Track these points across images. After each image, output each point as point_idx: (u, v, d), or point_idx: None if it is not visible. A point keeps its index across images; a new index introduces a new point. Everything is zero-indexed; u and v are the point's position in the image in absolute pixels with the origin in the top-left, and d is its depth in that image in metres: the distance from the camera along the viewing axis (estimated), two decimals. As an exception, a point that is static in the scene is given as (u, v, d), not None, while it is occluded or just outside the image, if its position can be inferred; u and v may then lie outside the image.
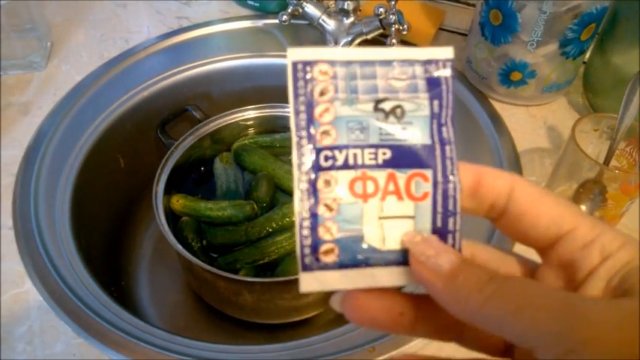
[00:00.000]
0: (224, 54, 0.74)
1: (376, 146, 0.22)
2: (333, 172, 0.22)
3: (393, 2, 0.66)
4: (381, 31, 0.70)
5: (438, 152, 0.22)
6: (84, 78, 0.69)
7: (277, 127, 0.70)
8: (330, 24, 0.71)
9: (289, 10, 0.71)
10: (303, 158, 0.21)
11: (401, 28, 0.69)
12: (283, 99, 0.72)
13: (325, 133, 0.22)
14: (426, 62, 0.22)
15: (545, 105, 0.68)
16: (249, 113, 0.69)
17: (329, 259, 0.21)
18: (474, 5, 0.77)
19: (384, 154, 0.22)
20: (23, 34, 0.70)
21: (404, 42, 0.73)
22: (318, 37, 0.74)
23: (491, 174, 0.23)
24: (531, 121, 0.66)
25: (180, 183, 0.64)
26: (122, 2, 0.82)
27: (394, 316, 0.22)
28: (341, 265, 0.22)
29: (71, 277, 0.50)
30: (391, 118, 0.22)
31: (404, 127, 0.22)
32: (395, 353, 0.45)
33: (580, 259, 0.21)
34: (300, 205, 0.21)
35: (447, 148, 0.22)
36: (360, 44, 0.72)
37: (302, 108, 0.22)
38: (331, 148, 0.22)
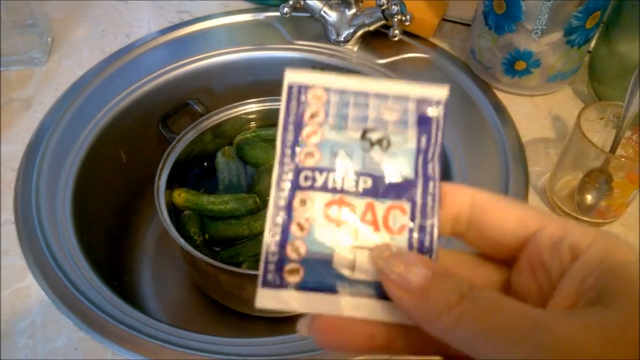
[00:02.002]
0: (225, 47, 0.73)
1: (358, 174, 0.22)
2: (310, 193, 0.21)
3: (395, -8, 0.65)
4: (383, 22, 0.70)
5: (419, 187, 0.22)
6: (85, 73, 0.69)
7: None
8: (332, 16, 0.71)
9: (290, 3, 0.70)
10: (283, 175, 0.22)
11: (403, 19, 0.68)
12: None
13: (309, 154, 0.22)
14: (419, 100, 0.22)
15: (550, 95, 0.67)
16: (251, 107, 0.68)
17: (292, 279, 0.21)
18: (477, -5, 0.76)
19: (365, 182, 0.22)
20: (24, 29, 0.70)
21: (407, 33, 0.72)
22: (320, 29, 0.73)
23: (451, 189, 0.22)
24: (536, 111, 0.65)
25: (182, 177, 0.64)
26: (123, -3, 0.82)
27: (365, 339, 0.21)
28: (304, 287, 0.21)
29: (73, 272, 0.50)
30: (376, 148, 0.22)
31: (388, 158, 0.22)
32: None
33: (550, 258, 0.20)
34: (272, 220, 0.21)
35: (431, 184, 0.22)
36: (363, 35, 0.72)
37: (290, 127, 0.22)
38: (312, 169, 0.22)
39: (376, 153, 0.22)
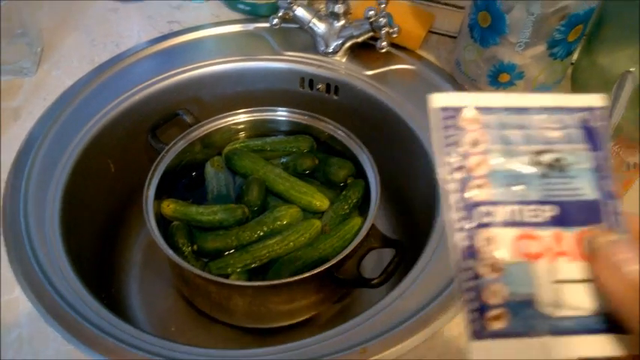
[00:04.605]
0: (215, 58, 0.74)
1: (538, 202, 0.20)
2: (493, 229, 0.20)
3: (383, 5, 0.66)
4: (371, 34, 0.70)
5: (606, 208, 0.21)
6: (74, 83, 0.69)
7: (268, 130, 0.70)
8: (320, 27, 0.72)
9: (280, 14, 0.71)
10: (456, 213, 0.20)
11: (391, 31, 0.69)
12: (274, 102, 0.72)
13: (480, 186, 0.20)
14: (580, 110, 0.21)
15: (535, 106, 0.68)
16: (240, 117, 0.69)
17: (498, 325, 0.20)
18: (463, 8, 0.77)
19: (550, 210, 0.20)
20: (14, 39, 0.70)
21: (394, 45, 0.73)
22: (309, 40, 0.74)
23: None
24: (521, 122, 0.66)
25: (171, 188, 0.64)
26: (113, 7, 0.82)
27: None
28: (512, 334, 0.20)
29: (61, 284, 0.50)
30: (553, 172, 0.21)
31: (568, 181, 0.20)
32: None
33: None
34: (458, 265, 0.20)
35: (614, 203, 0.21)
36: (351, 47, 0.72)
37: (452, 159, 0.20)
38: (489, 204, 0.20)
39: (553, 177, 0.20)
